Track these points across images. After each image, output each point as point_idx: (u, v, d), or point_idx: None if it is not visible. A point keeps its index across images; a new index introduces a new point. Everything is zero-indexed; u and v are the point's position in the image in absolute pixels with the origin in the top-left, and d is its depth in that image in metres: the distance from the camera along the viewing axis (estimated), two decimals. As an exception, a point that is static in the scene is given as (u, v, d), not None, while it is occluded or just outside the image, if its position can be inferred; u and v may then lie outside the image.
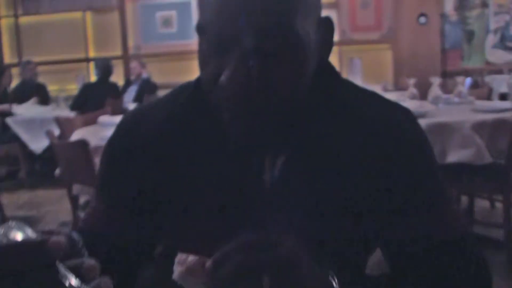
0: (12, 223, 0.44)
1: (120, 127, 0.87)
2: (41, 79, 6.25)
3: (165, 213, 0.82)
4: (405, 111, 0.85)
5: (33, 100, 5.72)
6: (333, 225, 0.77)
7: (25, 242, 0.43)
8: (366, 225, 0.79)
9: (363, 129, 0.79)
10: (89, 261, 0.45)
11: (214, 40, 0.69)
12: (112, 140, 0.86)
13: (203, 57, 0.73)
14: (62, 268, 0.43)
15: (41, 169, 5.68)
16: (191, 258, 0.78)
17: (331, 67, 0.83)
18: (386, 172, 0.79)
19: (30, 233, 0.44)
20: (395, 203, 0.78)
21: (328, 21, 0.77)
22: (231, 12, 0.67)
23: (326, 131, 0.78)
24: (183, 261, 0.79)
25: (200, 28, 0.72)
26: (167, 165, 0.81)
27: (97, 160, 2.51)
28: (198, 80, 0.80)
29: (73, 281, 0.43)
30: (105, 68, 5.76)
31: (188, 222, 0.81)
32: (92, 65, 7.18)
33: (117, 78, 6.22)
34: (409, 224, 0.78)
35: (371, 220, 0.79)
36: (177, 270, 0.79)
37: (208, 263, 0.60)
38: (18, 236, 0.44)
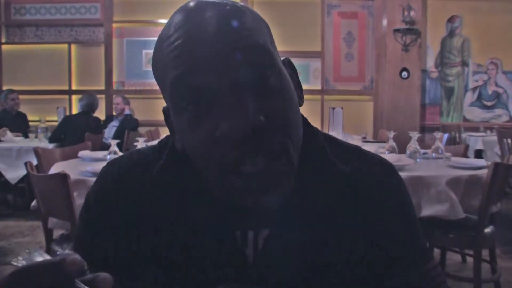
0: (30, 250, 0.48)
1: (100, 181, 0.84)
2: (21, 109, 6.15)
3: (138, 272, 0.78)
4: (387, 165, 0.86)
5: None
6: None
7: (47, 262, 0.45)
8: None
9: (346, 189, 0.79)
10: (103, 274, 0.47)
11: (196, 95, 0.65)
12: (91, 194, 0.84)
13: (179, 127, 0.71)
14: (79, 283, 0.46)
15: (13, 200, 5.59)
16: None
17: (307, 123, 0.80)
18: (368, 229, 0.79)
19: (48, 257, 0.47)
20: (378, 255, 0.79)
21: (289, 62, 0.77)
22: (218, 55, 0.64)
23: (310, 198, 0.76)
24: None
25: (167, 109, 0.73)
26: (146, 226, 0.78)
27: (75, 194, 2.48)
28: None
29: None
30: (90, 103, 5.72)
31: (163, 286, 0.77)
32: (74, 97, 7.14)
33: (99, 113, 6.17)
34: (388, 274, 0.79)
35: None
36: None
37: None
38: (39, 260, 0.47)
